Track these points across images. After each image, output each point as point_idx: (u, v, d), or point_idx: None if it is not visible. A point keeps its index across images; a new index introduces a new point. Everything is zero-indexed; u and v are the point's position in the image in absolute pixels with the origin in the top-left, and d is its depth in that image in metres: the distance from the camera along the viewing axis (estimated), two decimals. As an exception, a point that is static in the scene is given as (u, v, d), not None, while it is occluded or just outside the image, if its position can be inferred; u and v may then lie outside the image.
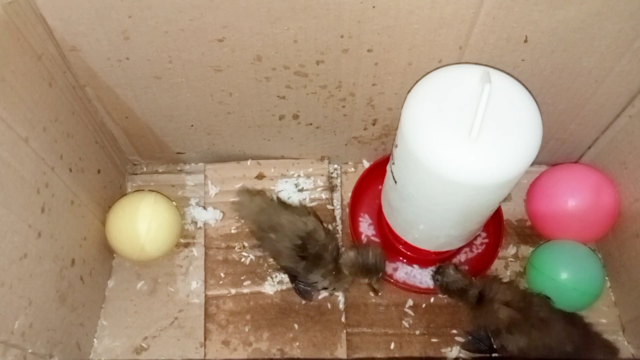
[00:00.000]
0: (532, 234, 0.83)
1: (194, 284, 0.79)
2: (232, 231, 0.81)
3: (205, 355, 0.73)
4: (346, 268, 0.70)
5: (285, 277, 0.77)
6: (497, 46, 0.63)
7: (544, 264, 0.74)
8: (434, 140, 0.55)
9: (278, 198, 0.78)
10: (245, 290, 0.77)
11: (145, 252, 0.75)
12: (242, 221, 0.78)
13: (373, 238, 0.81)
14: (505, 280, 0.72)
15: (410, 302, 0.77)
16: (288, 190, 0.84)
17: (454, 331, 0.75)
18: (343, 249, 0.73)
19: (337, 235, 0.80)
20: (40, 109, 0.60)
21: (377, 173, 0.83)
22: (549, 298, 0.69)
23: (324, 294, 0.76)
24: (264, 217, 0.72)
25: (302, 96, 0.72)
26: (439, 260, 0.78)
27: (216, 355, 0.73)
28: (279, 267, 0.77)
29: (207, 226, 0.82)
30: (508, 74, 0.60)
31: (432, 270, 0.74)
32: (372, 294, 0.75)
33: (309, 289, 0.75)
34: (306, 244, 0.69)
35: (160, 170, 0.89)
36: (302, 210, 0.74)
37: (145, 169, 0.89)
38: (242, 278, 0.78)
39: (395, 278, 0.77)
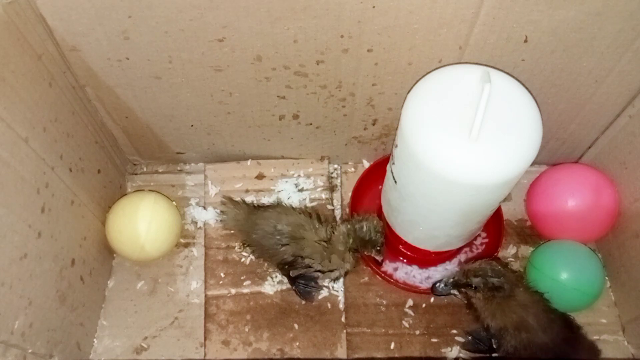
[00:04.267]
0: (532, 234, 0.83)
1: (194, 284, 0.79)
2: (232, 231, 0.81)
3: (205, 355, 0.73)
4: (341, 245, 0.70)
5: (285, 277, 0.77)
6: (497, 46, 0.63)
7: (544, 264, 0.74)
8: (434, 140, 0.55)
9: (258, 203, 0.80)
10: (245, 290, 0.77)
11: (145, 252, 0.75)
12: (235, 233, 0.79)
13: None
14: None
15: (410, 302, 0.77)
16: (288, 190, 0.84)
17: (454, 331, 0.75)
18: (338, 224, 0.73)
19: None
20: (40, 109, 0.60)
21: (377, 173, 0.83)
22: (548, 299, 0.70)
23: (324, 293, 0.76)
24: (247, 223, 0.74)
25: (302, 96, 0.72)
26: (439, 260, 0.78)
27: (216, 355, 0.73)
28: (277, 270, 0.77)
29: (207, 226, 0.82)
30: (508, 74, 0.60)
31: (463, 272, 0.66)
32: (376, 258, 0.73)
33: (309, 289, 0.75)
34: (279, 231, 0.71)
35: (160, 170, 0.89)
36: (275, 205, 0.77)
37: (145, 169, 0.89)
38: (242, 278, 0.78)
39: (395, 278, 0.77)
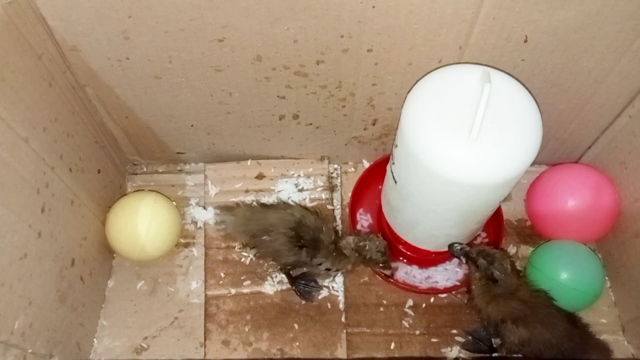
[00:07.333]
0: (532, 234, 0.83)
1: (194, 284, 0.79)
2: (234, 236, 0.80)
3: (205, 355, 0.73)
4: (347, 251, 0.71)
5: (285, 277, 0.77)
6: (497, 46, 0.63)
7: (544, 264, 0.74)
8: (434, 140, 0.55)
9: (258, 202, 0.79)
10: (245, 290, 0.77)
11: (145, 252, 0.75)
12: (236, 237, 0.78)
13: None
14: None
15: (410, 302, 0.77)
16: (288, 190, 0.84)
17: (454, 331, 0.75)
18: (341, 233, 0.75)
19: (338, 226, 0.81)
20: (40, 109, 0.60)
21: (377, 173, 0.83)
22: (552, 297, 0.69)
23: (324, 293, 0.76)
24: (252, 224, 0.72)
25: (302, 96, 0.72)
26: (439, 260, 0.78)
27: (216, 355, 0.73)
28: (280, 267, 0.76)
29: (207, 226, 0.82)
30: (508, 74, 0.60)
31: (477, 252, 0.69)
32: (386, 274, 0.76)
33: (309, 289, 0.75)
34: (299, 232, 0.70)
35: (160, 170, 0.89)
36: (284, 205, 0.75)
37: (145, 169, 0.89)
38: (242, 278, 0.78)
39: (395, 278, 0.77)
